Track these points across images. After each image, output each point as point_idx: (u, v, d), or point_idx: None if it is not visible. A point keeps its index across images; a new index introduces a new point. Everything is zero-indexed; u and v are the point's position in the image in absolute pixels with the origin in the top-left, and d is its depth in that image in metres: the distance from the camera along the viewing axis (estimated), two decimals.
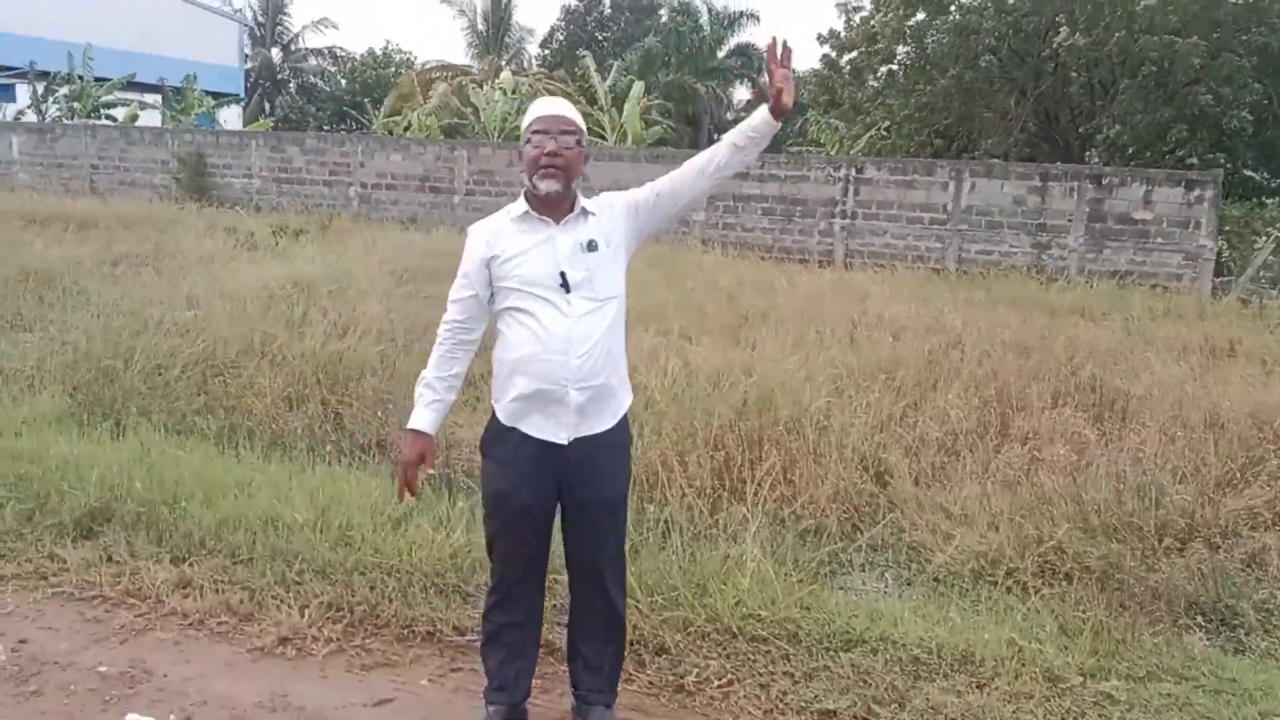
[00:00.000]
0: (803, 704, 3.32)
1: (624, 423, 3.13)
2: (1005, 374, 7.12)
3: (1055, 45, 16.49)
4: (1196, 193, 15.31)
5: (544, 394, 2.95)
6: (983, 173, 16.68)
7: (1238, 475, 5.32)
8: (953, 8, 18.38)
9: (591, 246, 3.00)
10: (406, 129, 24.42)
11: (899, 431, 5.88)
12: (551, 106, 3.07)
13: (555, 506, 3.08)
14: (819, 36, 20.15)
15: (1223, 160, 16.48)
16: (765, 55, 3.05)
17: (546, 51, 43.91)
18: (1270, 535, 4.58)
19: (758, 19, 36.86)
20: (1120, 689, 3.32)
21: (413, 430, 3.07)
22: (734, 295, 10.53)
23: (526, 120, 3.05)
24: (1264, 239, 15.09)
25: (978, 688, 3.37)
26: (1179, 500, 4.89)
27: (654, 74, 29.28)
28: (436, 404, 3.08)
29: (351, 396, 6.13)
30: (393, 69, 41.87)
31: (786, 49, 2.91)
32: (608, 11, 45.84)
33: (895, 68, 19.21)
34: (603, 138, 23.50)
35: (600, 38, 44.39)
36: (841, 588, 4.20)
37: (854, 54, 19.69)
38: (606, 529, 3.10)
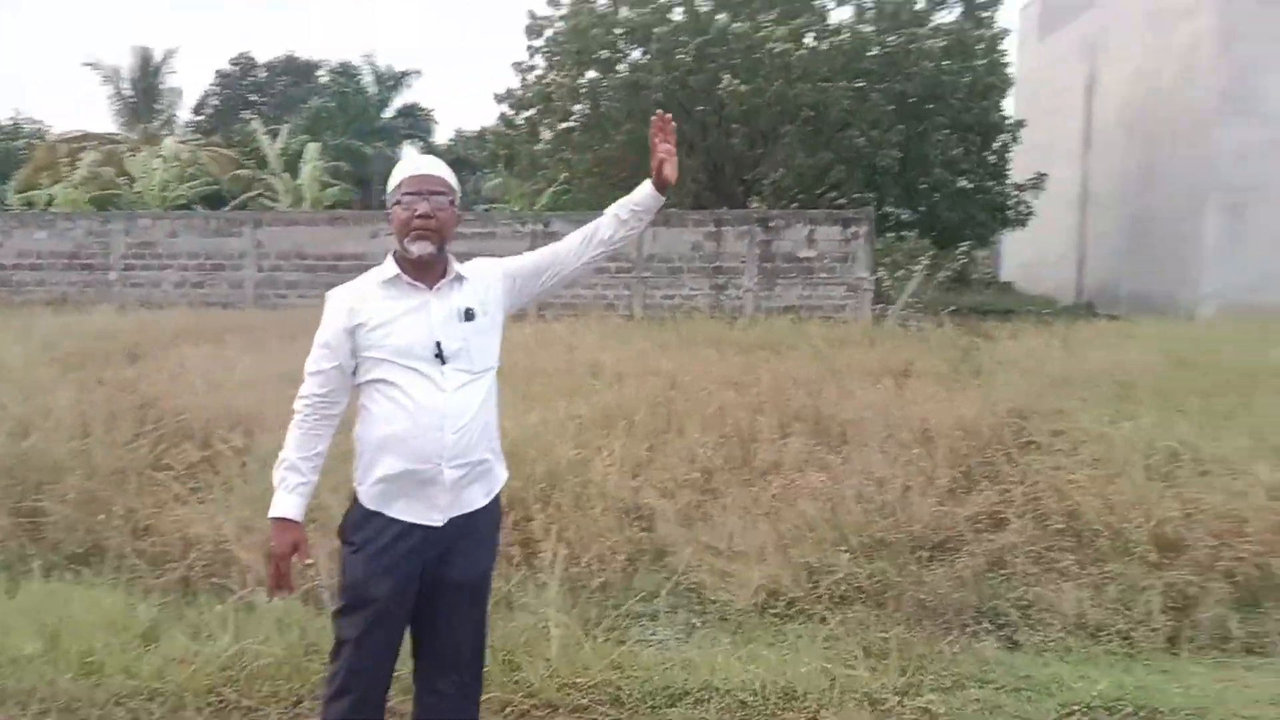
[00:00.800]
0: None
1: (498, 499, 2.94)
2: (731, 410, 7.42)
3: (719, 95, 17.63)
4: (853, 229, 16.89)
5: (415, 474, 2.73)
6: (662, 222, 17.51)
7: (961, 484, 5.83)
8: (621, 66, 19.20)
9: (468, 315, 2.81)
10: (49, 203, 22.10)
11: (654, 475, 5.95)
12: (422, 166, 2.87)
13: (414, 595, 2.82)
14: (496, 95, 20.33)
15: (872, 198, 18.30)
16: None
17: (201, 117, 41.47)
18: (1003, 536, 5.03)
19: (420, 74, 36.69)
20: (935, 702, 3.49)
21: (280, 519, 2.75)
22: None
23: (394, 181, 2.84)
24: (915, 269, 16.85)
25: None
26: (918, 513, 5.27)
27: (323, 136, 28.37)
28: (302, 487, 2.78)
29: (52, 500, 5.35)
30: (23, 140, 37.77)
31: (668, 123, 2.91)
32: (264, 75, 44.04)
33: (572, 125, 19.74)
34: (275, 201, 22.42)
35: (257, 101, 42.51)
36: (641, 640, 4.14)
37: (531, 112, 20.05)
38: (471, 615, 2.89)
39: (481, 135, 27.58)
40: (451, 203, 2.84)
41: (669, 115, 2.96)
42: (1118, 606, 4.26)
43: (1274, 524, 4.57)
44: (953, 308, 15.40)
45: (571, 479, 5.42)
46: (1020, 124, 20.48)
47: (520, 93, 20.11)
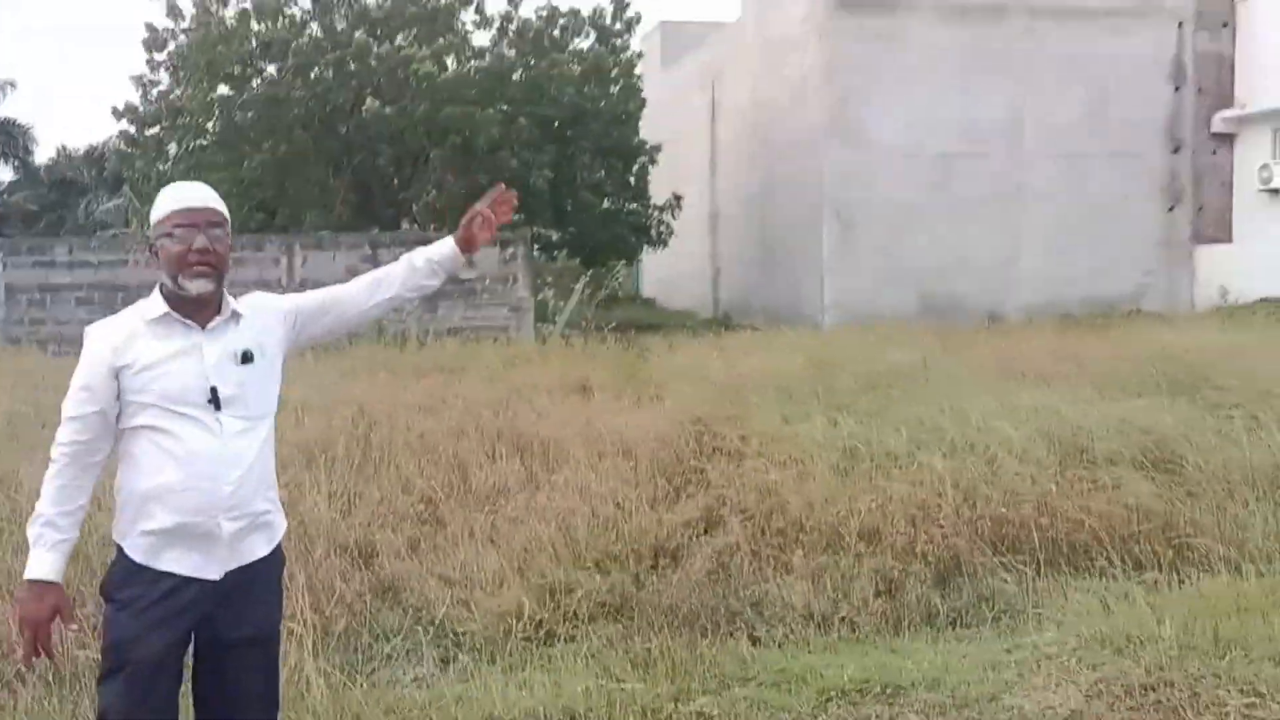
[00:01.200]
0: None
1: (279, 548, 2.72)
2: (432, 436, 7.30)
3: (364, 116, 17.24)
4: (511, 251, 17.13)
5: (189, 527, 2.50)
6: (314, 245, 16.82)
7: (669, 492, 6.11)
8: (256, 81, 18.23)
9: (246, 358, 2.59)
10: None
11: (368, 510, 5.73)
12: (194, 197, 2.61)
13: (186, 654, 2.56)
14: (114, 110, 18.50)
15: (522, 220, 18.66)
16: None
17: None
18: (721, 538, 5.34)
19: (15, 86, 32.46)
20: (708, 705, 3.64)
21: (37, 581, 2.47)
22: None
23: (161, 211, 2.59)
24: (576, 287, 17.38)
25: None
26: (640, 524, 5.48)
27: None
28: (62, 544, 2.50)
29: None
30: None
31: (509, 199, 2.90)
32: None
33: (204, 142, 18.44)
34: None
35: None
36: (394, 680, 3.99)
37: (157, 129, 18.49)
38: (262, 673, 2.66)
39: (90, 154, 25.05)
40: (227, 233, 2.63)
41: (512, 194, 2.94)
42: (837, 596, 4.67)
43: (956, 508, 5.23)
44: (612, 324, 16.05)
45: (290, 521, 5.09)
46: (657, 148, 21.74)
47: (143, 108, 18.49)
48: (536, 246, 19.99)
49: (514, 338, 16.44)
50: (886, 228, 19.08)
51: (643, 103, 21.47)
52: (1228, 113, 22.86)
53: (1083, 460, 6.13)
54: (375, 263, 16.93)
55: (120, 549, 2.55)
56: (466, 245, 2.87)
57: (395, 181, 19.29)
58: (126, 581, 2.52)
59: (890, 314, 16.77)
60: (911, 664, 3.94)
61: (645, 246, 22.67)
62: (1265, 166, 21.85)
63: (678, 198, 22.41)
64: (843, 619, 4.52)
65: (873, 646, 4.25)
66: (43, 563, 2.47)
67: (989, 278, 20.23)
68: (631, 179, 21.57)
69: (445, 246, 2.88)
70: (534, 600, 4.64)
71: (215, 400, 2.52)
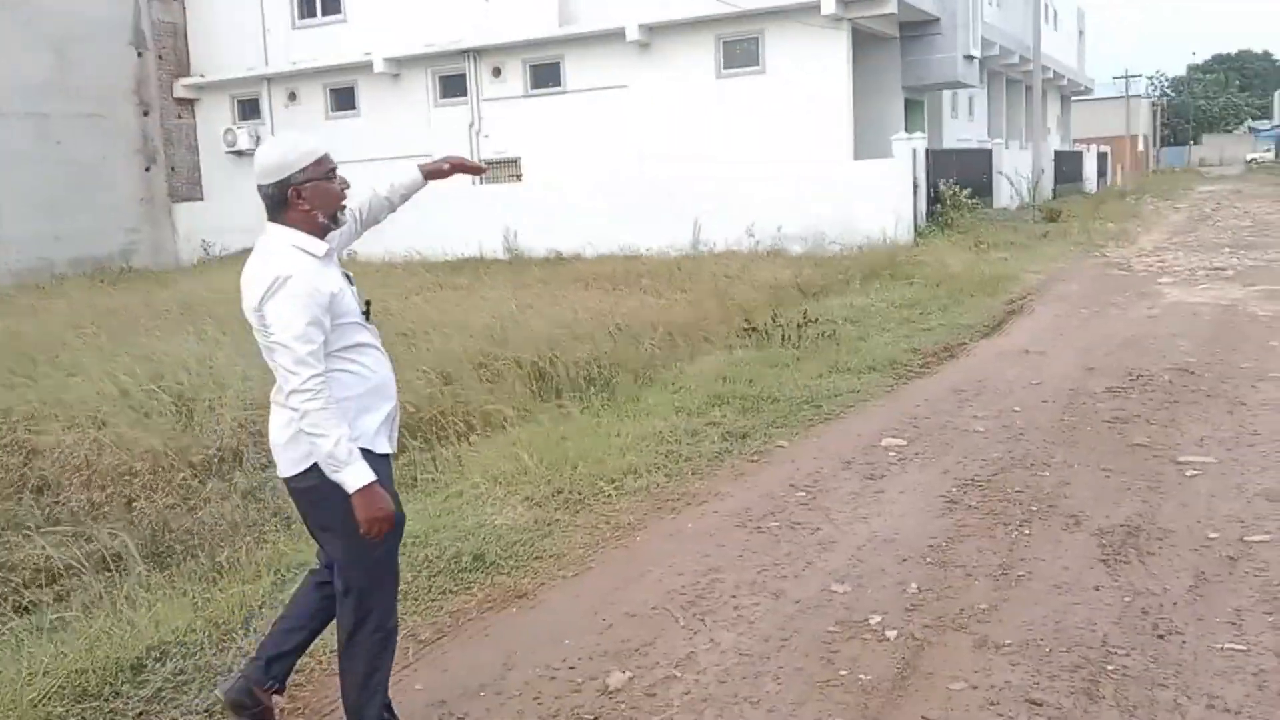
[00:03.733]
0: None
1: None
2: None
3: None
4: None
5: (394, 411, 3.06)
6: None
7: None
8: None
9: (349, 279, 3.03)
10: None
11: None
12: (321, 144, 2.95)
13: None
14: None
15: None
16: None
17: None
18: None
19: None
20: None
21: (371, 485, 2.77)
22: None
23: (305, 155, 2.86)
24: None
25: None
26: None
27: None
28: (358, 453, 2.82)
29: None
30: None
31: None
32: None
33: None
34: None
35: None
36: None
37: None
38: None
39: None
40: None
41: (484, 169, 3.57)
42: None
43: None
44: None
45: None
46: None
47: None
48: None
49: None
50: None
51: None
52: (188, 80, 25.08)
53: None
54: None
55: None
56: (431, 174, 3.35)
57: None
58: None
59: None
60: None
61: None
62: (229, 130, 24.68)
63: None
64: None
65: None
66: (366, 470, 2.75)
67: None
68: None
69: (410, 174, 3.34)
70: None
71: (367, 313, 3.01)
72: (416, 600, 4.24)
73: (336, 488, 2.76)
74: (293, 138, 2.94)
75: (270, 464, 3.29)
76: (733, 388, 7.69)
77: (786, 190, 18.06)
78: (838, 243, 17.20)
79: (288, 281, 2.73)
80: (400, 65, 23.09)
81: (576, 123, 21.45)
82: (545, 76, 22.26)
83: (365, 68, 23.11)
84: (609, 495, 5.48)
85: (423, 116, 23.03)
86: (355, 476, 2.72)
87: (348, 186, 2.97)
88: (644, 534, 4.99)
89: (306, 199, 2.84)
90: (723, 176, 18.32)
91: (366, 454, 2.80)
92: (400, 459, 6.07)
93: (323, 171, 2.87)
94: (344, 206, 2.97)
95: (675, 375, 8.21)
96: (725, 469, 6.00)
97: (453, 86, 22.97)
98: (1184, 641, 3.61)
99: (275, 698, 3.19)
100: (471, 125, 22.61)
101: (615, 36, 20.97)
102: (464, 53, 22.30)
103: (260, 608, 4.08)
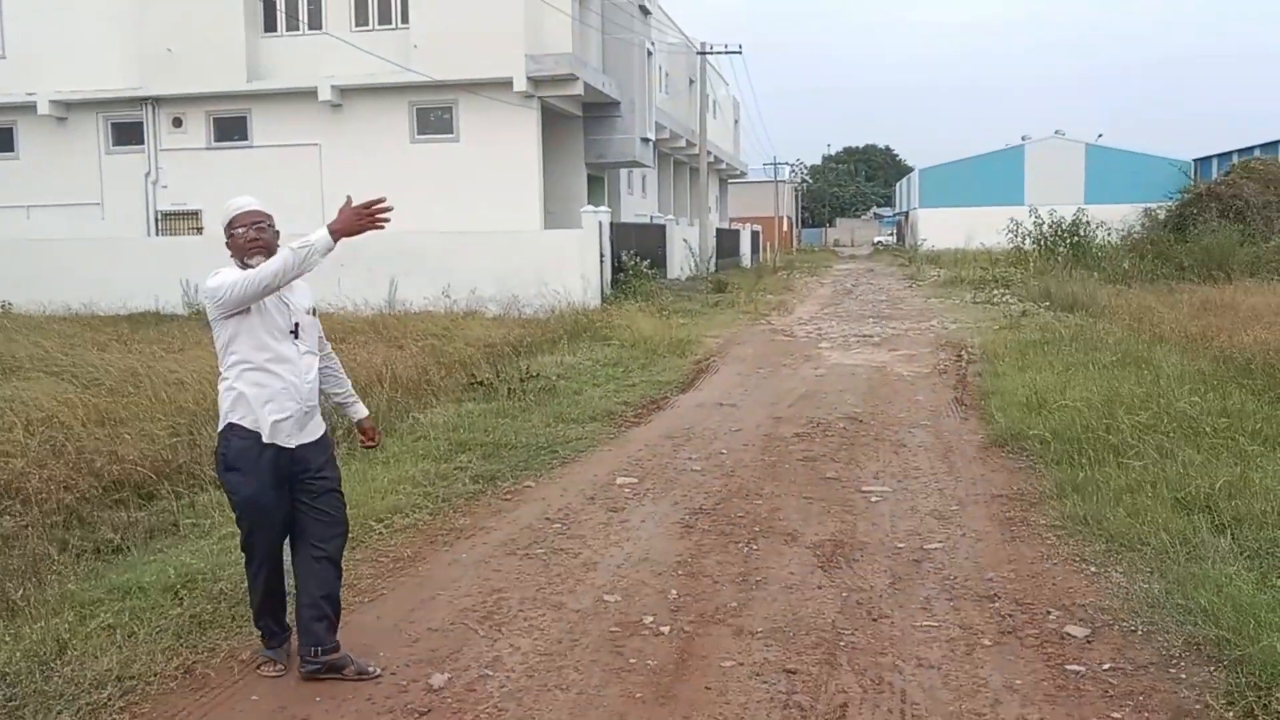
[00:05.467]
0: None
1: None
2: None
3: None
4: None
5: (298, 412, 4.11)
6: None
7: None
8: None
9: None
10: None
11: None
12: (246, 205, 3.99)
13: None
14: None
15: None
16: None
17: None
18: None
19: None
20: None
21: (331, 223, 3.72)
22: None
23: (227, 219, 3.98)
24: None
25: None
26: None
27: None
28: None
29: None
30: None
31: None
32: None
33: None
34: None
35: None
36: None
37: None
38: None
39: None
40: (270, 225, 3.99)
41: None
42: None
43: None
44: None
45: None
46: None
47: None
48: None
49: None
50: None
51: None
52: None
53: None
54: None
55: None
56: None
57: None
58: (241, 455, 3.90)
59: None
60: None
61: None
62: None
63: None
64: None
65: None
66: (316, 231, 3.69)
67: None
68: None
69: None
70: None
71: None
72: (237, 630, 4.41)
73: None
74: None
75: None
76: (471, 435, 8.17)
77: (482, 255, 18.74)
78: (530, 305, 18.05)
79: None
80: (68, 109, 21.58)
81: (265, 178, 20.97)
82: (231, 129, 21.69)
83: (28, 109, 21.37)
84: (380, 533, 5.80)
85: (93, 163, 21.60)
86: (317, 236, 3.66)
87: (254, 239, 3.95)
88: (425, 564, 5.37)
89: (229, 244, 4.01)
90: (418, 238, 18.68)
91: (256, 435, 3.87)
92: (155, 505, 6.08)
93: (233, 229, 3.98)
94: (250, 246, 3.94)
95: (411, 425, 8.55)
96: (483, 506, 6.47)
97: (128, 134, 21.77)
98: (892, 622, 4.55)
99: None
100: (148, 175, 21.49)
101: (308, 95, 20.89)
102: (142, 100, 21.25)
103: (70, 640, 4.09)
